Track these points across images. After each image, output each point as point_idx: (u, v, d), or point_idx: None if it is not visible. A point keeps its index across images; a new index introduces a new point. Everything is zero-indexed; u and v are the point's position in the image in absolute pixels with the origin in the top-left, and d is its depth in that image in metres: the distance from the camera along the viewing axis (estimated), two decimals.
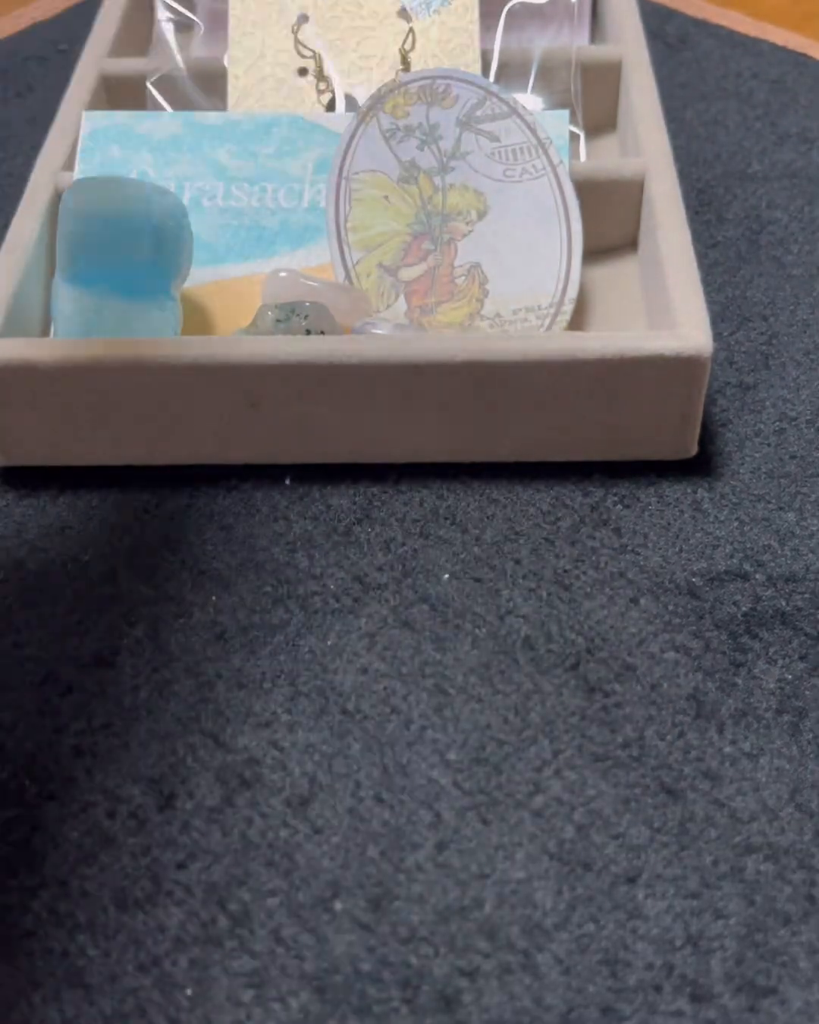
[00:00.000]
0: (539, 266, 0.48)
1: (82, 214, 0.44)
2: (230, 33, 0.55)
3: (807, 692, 0.38)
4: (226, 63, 0.55)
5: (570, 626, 0.40)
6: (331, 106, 0.55)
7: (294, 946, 0.33)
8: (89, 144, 0.51)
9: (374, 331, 0.45)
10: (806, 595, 0.41)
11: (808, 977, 0.32)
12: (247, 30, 0.55)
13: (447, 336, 0.43)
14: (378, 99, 0.49)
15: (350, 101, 0.54)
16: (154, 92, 0.56)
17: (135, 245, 0.44)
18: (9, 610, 0.41)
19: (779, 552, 0.42)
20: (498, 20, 0.58)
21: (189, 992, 0.32)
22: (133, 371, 0.42)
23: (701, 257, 0.54)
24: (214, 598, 0.41)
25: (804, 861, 0.34)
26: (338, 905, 0.34)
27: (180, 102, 0.56)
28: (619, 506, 0.44)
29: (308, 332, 0.44)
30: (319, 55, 0.55)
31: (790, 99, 0.64)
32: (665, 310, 0.45)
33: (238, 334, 0.45)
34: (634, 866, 0.34)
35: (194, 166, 0.51)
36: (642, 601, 0.41)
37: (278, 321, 0.44)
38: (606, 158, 0.58)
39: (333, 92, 0.55)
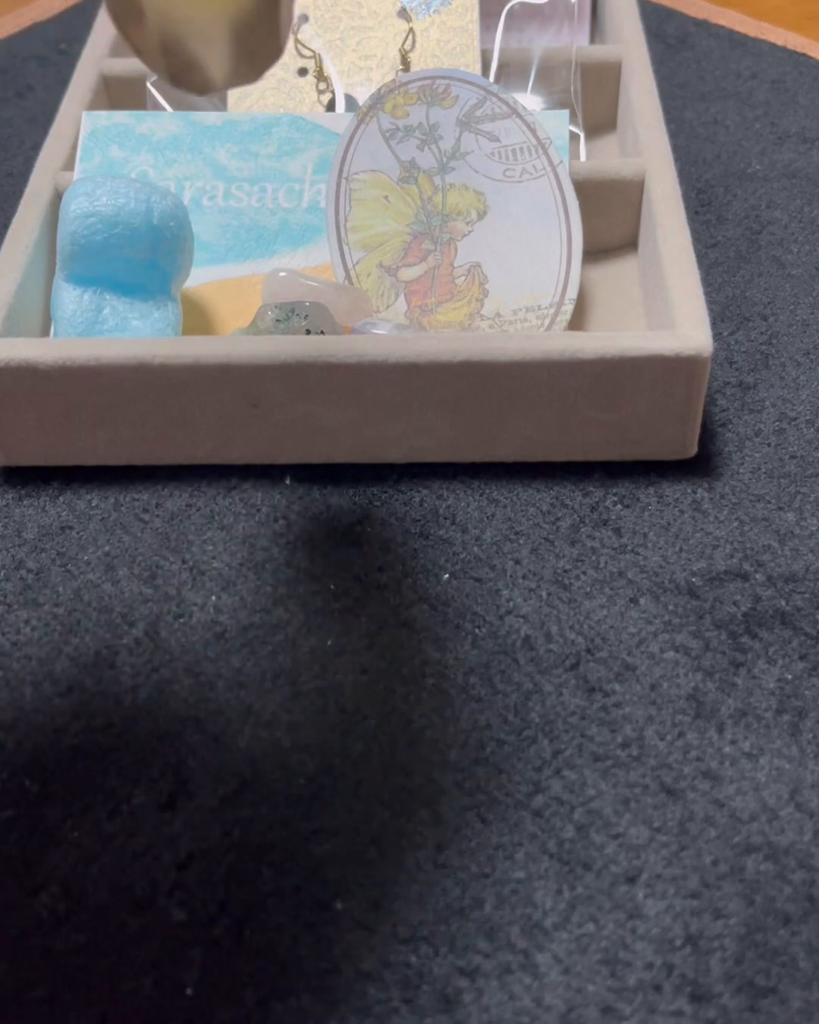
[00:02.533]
0: (539, 266, 0.48)
1: (82, 214, 0.44)
2: None
3: (807, 692, 0.38)
4: None
5: (570, 626, 0.40)
6: (331, 106, 0.55)
7: (294, 945, 0.33)
8: (89, 144, 0.51)
9: (374, 331, 0.45)
10: (806, 595, 0.41)
11: (808, 977, 0.32)
12: None
13: (447, 336, 0.43)
14: (378, 99, 0.49)
15: (350, 101, 0.54)
16: (154, 92, 0.56)
17: (135, 245, 0.44)
18: (9, 610, 0.41)
19: (779, 552, 0.42)
20: (498, 20, 0.58)
21: (189, 992, 0.32)
22: (133, 371, 0.42)
23: (701, 257, 0.54)
24: (214, 598, 0.41)
25: (804, 861, 0.34)
26: (338, 905, 0.34)
27: (180, 102, 0.56)
28: (619, 506, 0.44)
29: (308, 332, 0.44)
30: (319, 55, 0.55)
31: (790, 99, 0.64)
32: (665, 310, 0.45)
33: (238, 334, 0.45)
34: (634, 866, 0.34)
35: (194, 166, 0.51)
36: (642, 601, 0.41)
37: (278, 321, 0.44)
38: (606, 158, 0.58)
39: (333, 92, 0.55)
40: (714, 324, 0.50)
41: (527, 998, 0.32)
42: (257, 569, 0.42)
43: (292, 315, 0.44)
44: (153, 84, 0.56)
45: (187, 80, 0.30)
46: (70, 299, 0.45)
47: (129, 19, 0.29)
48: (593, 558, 0.42)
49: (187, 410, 0.44)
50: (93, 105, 0.55)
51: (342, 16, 0.55)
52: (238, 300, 0.49)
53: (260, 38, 0.30)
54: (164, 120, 0.52)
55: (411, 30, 0.55)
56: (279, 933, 0.33)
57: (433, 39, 0.55)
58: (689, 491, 0.44)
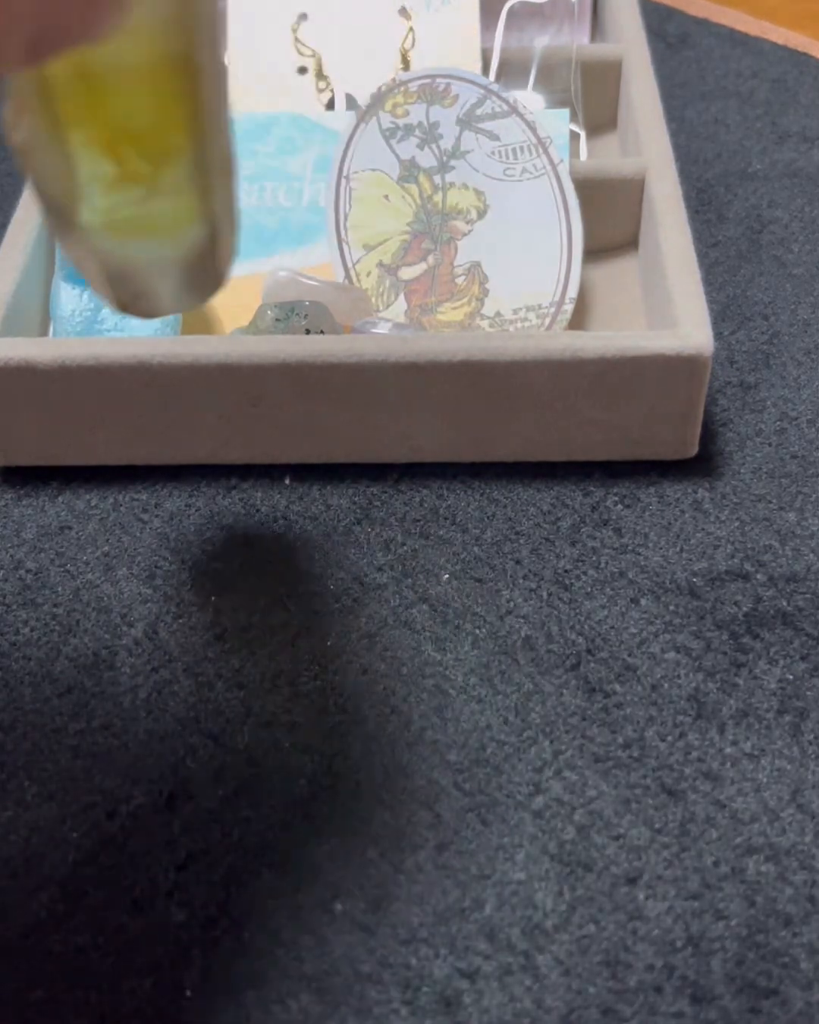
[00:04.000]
0: (539, 265, 0.48)
1: None
2: (229, 31, 0.55)
3: (808, 692, 0.38)
4: (225, 61, 0.55)
5: (570, 626, 0.40)
6: (331, 105, 0.55)
7: (294, 946, 0.33)
8: None
9: (374, 331, 0.44)
10: (807, 595, 0.41)
11: (809, 978, 0.32)
12: (247, 28, 0.55)
13: (447, 336, 0.43)
14: (378, 98, 0.49)
15: (350, 100, 0.54)
16: None
17: None
18: (9, 610, 0.41)
19: (780, 552, 0.42)
20: (498, 19, 0.58)
21: (189, 992, 0.32)
22: (133, 371, 0.42)
23: (701, 256, 0.54)
24: (214, 598, 0.41)
25: (805, 862, 0.34)
26: (338, 906, 0.34)
27: None
28: (619, 506, 0.44)
29: (308, 332, 0.44)
30: (318, 54, 0.55)
31: (790, 98, 0.64)
32: (666, 309, 0.45)
33: (238, 334, 0.45)
34: (635, 867, 0.34)
35: None
36: (643, 601, 0.41)
37: (278, 320, 0.44)
38: (606, 157, 0.58)
39: (333, 91, 0.55)
40: (715, 323, 0.50)
41: (528, 1000, 0.32)
42: (257, 569, 0.42)
43: (292, 315, 0.44)
44: None
45: (135, 308, 0.32)
46: (69, 298, 0.45)
47: (80, 256, 0.31)
48: (594, 558, 0.42)
49: (187, 410, 0.44)
50: None
51: (342, 14, 0.55)
52: (238, 300, 0.49)
53: (203, 274, 0.32)
54: None
55: (411, 28, 0.55)
56: (279, 933, 0.33)
57: (433, 37, 0.55)
58: (690, 491, 0.44)
